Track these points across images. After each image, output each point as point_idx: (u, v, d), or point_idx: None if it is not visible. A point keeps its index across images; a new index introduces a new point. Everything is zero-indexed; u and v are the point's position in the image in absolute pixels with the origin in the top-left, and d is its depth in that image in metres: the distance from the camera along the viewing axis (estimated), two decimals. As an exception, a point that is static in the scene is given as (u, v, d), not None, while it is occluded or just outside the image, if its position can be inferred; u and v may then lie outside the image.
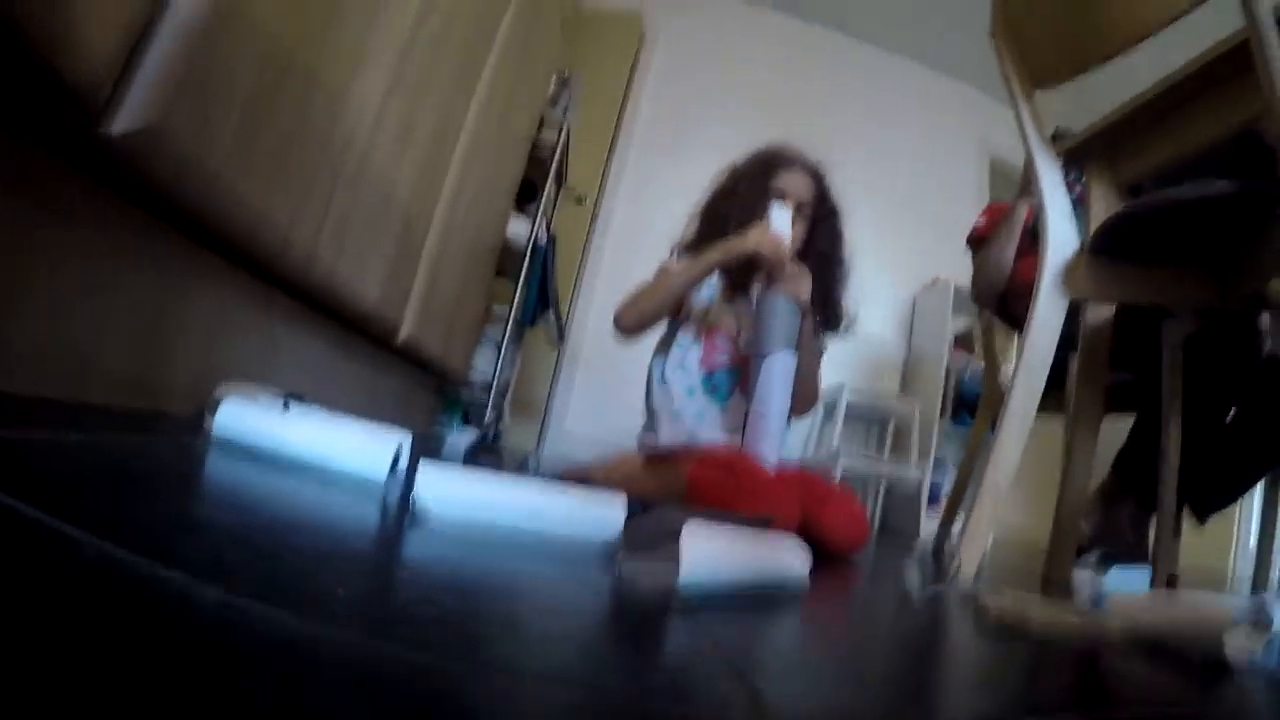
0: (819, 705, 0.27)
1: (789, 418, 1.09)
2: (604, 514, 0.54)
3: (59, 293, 0.47)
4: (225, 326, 0.71)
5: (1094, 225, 1.01)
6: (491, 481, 0.52)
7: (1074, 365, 1.26)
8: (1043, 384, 0.93)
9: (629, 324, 1.17)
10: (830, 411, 2.82)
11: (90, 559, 0.21)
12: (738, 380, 1.17)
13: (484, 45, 1.26)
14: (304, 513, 0.42)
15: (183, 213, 0.55)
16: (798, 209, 1.19)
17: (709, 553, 0.45)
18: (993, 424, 0.95)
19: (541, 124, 2.16)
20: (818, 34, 3.64)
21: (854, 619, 0.56)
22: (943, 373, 2.95)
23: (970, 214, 1.87)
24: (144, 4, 0.43)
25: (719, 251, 1.13)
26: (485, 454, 1.03)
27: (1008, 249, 1.57)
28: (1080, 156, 1.07)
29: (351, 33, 0.74)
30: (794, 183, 1.22)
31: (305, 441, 0.56)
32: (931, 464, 2.80)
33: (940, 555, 1.42)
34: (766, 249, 1.10)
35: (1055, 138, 1.23)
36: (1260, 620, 0.42)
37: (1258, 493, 1.35)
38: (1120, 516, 1.30)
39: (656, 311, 1.17)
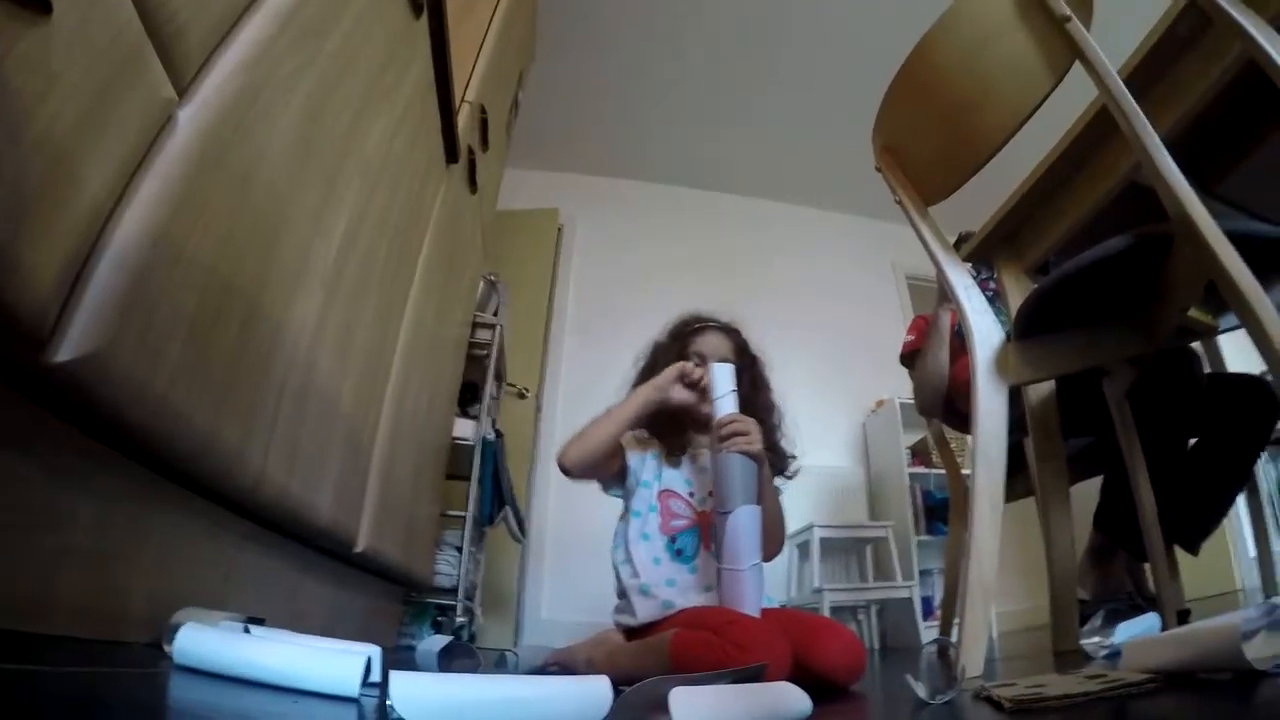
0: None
1: (761, 566, 1.07)
2: (588, 698, 0.52)
3: (6, 521, 0.46)
4: (180, 551, 0.67)
5: (1013, 313, 1.07)
6: (467, 683, 0.50)
7: (1029, 446, 1.29)
8: (1003, 473, 0.94)
9: (571, 462, 1.18)
10: (805, 551, 2.80)
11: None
12: (700, 538, 1.16)
13: (409, 263, 1.34)
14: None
15: (131, 438, 0.55)
16: None
17: (699, 717, 0.44)
18: (967, 524, 0.95)
19: (475, 327, 2.25)
20: (729, 201, 4.01)
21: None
22: (907, 488, 3.01)
23: (898, 333, 1.98)
24: (83, 237, 0.45)
25: (647, 388, 1.20)
26: (459, 656, 0.97)
27: (940, 355, 1.65)
28: (984, 254, 1.15)
29: (286, 260, 0.79)
30: (710, 344, 1.30)
31: (270, 663, 0.53)
32: (917, 578, 2.78)
33: (946, 660, 1.37)
34: (678, 396, 1.18)
35: (960, 242, 1.34)
36: (1274, 623, 0.42)
37: (1240, 505, 1.35)
38: (1115, 572, 1.29)
39: (594, 450, 1.18)
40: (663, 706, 0.42)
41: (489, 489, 2.18)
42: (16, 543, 0.47)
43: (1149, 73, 0.90)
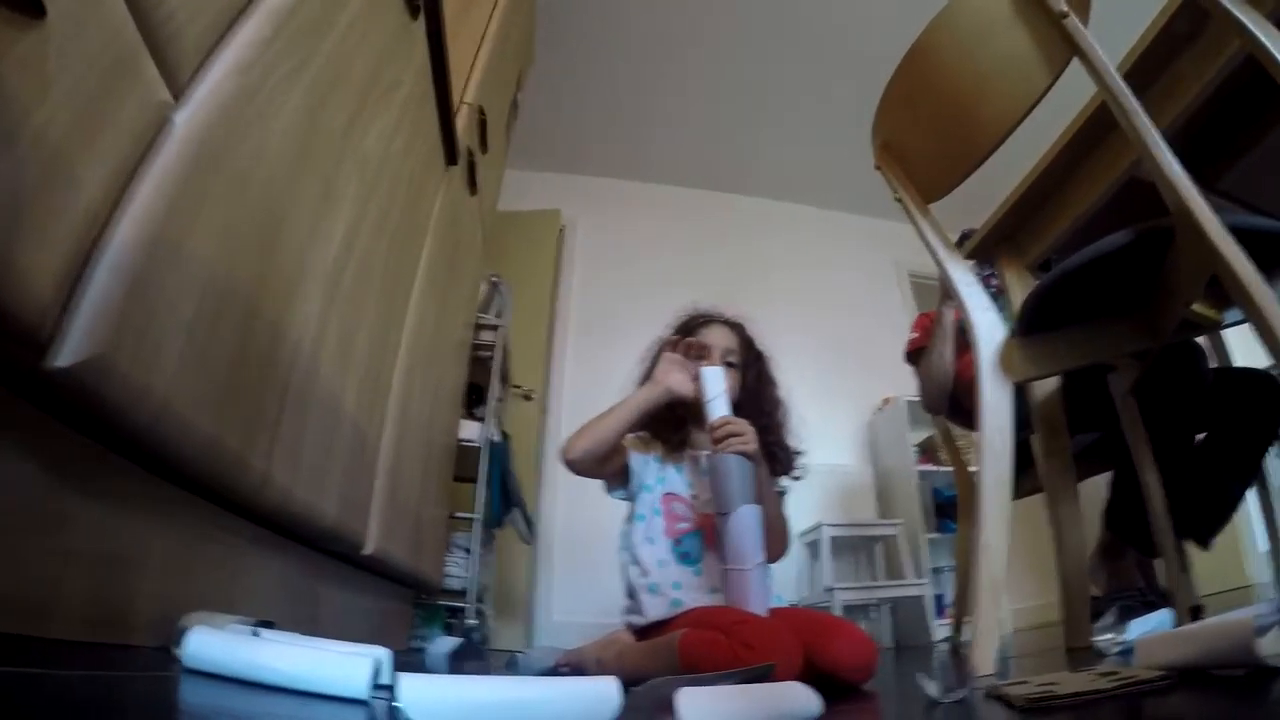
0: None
1: (767, 565, 1.07)
2: (597, 699, 0.52)
3: (8, 525, 0.46)
4: (186, 556, 0.67)
5: (1016, 310, 1.06)
6: (476, 684, 0.50)
7: (1036, 442, 1.28)
8: (1009, 470, 0.94)
9: (575, 456, 1.17)
10: (815, 550, 2.79)
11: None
12: (704, 540, 1.16)
13: (410, 265, 1.34)
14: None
15: (134, 441, 0.55)
16: (725, 361, 1.25)
17: (706, 717, 0.44)
18: (976, 521, 0.95)
19: (479, 328, 2.25)
20: (730, 201, 4.00)
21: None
22: (915, 486, 3.00)
23: (902, 331, 1.97)
24: (81, 241, 0.45)
25: (649, 383, 1.20)
26: (469, 658, 0.97)
27: (945, 352, 1.65)
28: (986, 252, 1.15)
29: (285, 262, 0.79)
30: (715, 337, 1.30)
31: (279, 666, 0.53)
32: (929, 576, 2.78)
33: (958, 659, 1.36)
34: (678, 386, 1.17)
35: (963, 240, 1.34)
36: (1283, 615, 0.42)
37: (1251, 500, 1.34)
38: (1126, 568, 1.28)
39: (598, 444, 1.17)
40: (670, 707, 0.43)
41: (497, 491, 2.18)
42: (20, 546, 0.47)
43: (1148, 69, 0.90)
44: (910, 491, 3.01)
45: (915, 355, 1.82)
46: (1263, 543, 1.86)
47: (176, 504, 0.67)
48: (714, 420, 1.09)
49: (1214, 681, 0.49)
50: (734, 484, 1.02)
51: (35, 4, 0.32)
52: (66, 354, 0.44)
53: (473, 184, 1.79)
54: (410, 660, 1.13)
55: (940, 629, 2.59)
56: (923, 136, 1.11)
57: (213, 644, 0.52)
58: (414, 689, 0.45)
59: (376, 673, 0.55)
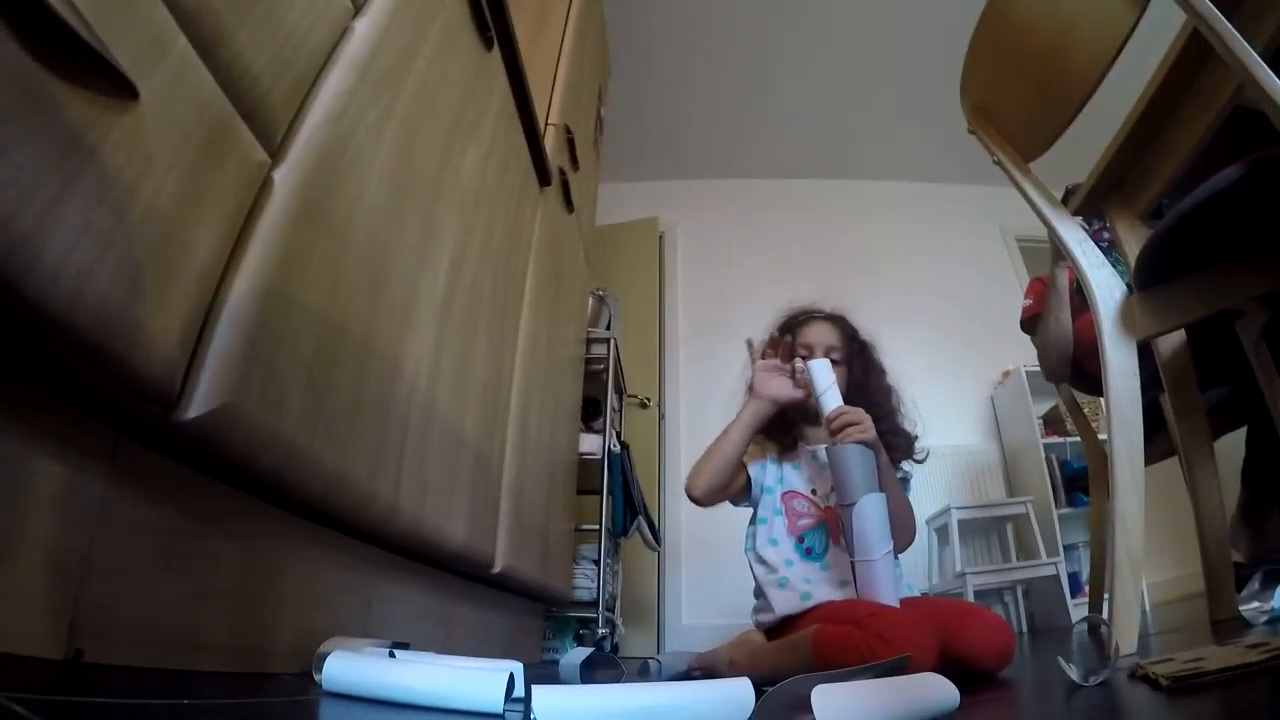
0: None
1: (895, 555, 1.05)
2: (730, 700, 0.51)
3: (155, 568, 0.50)
4: (321, 585, 0.72)
5: (1132, 263, 1.00)
6: (609, 693, 0.50)
7: (1166, 402, 1.20)
8: (1141, 434, 0.88)
9: (701, 492, 1.18)
10: (944, 534, 2.68)
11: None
12: (829, 534, 1.15)
13: (516, 287, 1.38)
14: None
15: (264, 482, 0.59)
16: (829, 356, 1.23)
17: (842, 715, 0.43)
18: (1109, 492, 0.89)
19: (590, 342, 2.29)
20: (825, 187, 3.90)
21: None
22: (1042, 460, 2.86)
23: (1015, 299, 1.86)
24: (199, 300, 0.49)
25: (751, 400, 1.19)
26: (602, 667, 0.98)
27: (1062, 316, 1.57)
28: (1093, 205, 1.08)
29: (394, 299, 0.82)
30: (817, 334, 1.28)
31: (416, 684, 0.55)
32: (1062, 553, 2.63)
33: (1098, 639, 1.30)
34: (780, 393, 1.17)
35: (1068, 195, 1.25)
36: None
37: None
38: (1270, 529, 1.17)
39: (718, 474, 1.18)
40: (805, 705, 0.42)
41: (620, 500, 2.20)
42: (166, 589, 0.51)
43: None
44: (1038, 466, 2.87)
45: (1031, 323, 1.74)
46: None
47: (309, 537, 0.71)
48: (830, 412, 1.08)
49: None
50: (855, 474, 1.01)
51: (128, 87, 0.35)
52: (195, 406, 0.48)
53: (568, 202, 1.83)
54: (543, 673, 1.17)
55: (1077, 609, 2.46)
56: (1013, 93, 1.07)
57: (351, 667, 0.55)
58: (548, 701, 0.45)
59: (510, 687, 0.56)
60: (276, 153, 0.58)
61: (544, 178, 1.57)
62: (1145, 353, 0.97)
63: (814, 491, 1.19)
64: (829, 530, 1.15)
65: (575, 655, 0.95)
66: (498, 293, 1.24)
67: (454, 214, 1.01)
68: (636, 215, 3.48)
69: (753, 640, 1.14)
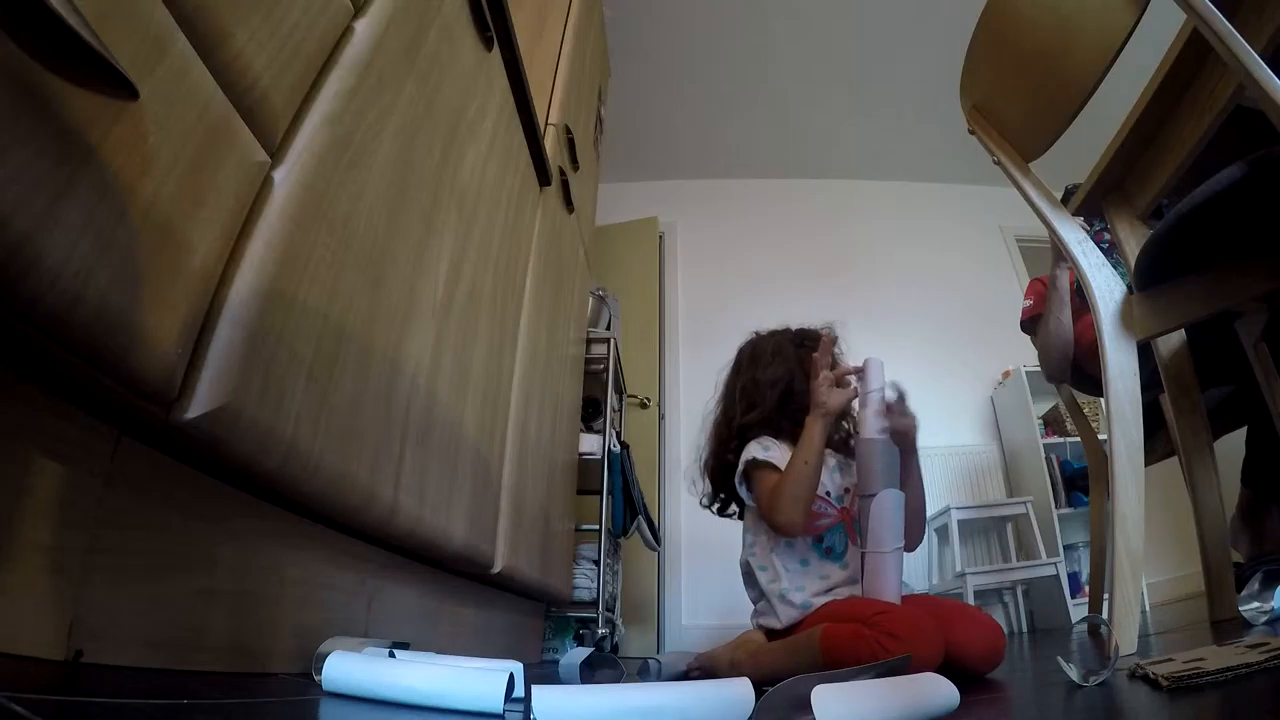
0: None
1: (902, 551, 1.06)
2: (729, 700, 0.51)
3: (155, 568, 0.50)
4: (322, 585, 0.72)
5: (1132, 263, 1.01)
6: (608, 693, 0.50)
7: (1166, 402, 1.21)
8: (1140, 434, 0.89)
9: (798, 527, 1.12)
10: (944, 534, 2.69)
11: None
12: (847, 534, 1.16)
13: (516, 287, 1.38)
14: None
15: (264, 482, 0.59)
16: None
17: (842, 715, 0.43)
18: (1109, 492, 0.89)
19: (590, 342, 2.29)
20: (825, 187, 3.90)
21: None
22: (1042, 460, 2.87)
23: (1015, 299, 1.87)
24: (199, 299, 0.49)
25: (814, 417, 1.15)
26: (602, 667, 0.99)
27: (1063, 316, 1.57)
28: (1093, 205, 1.08)
29: (394, 299, 0.82)
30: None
31: (416, 685, 0.55)
32: (1062, 553, 2.65)
33: (1098, 639, 1.30)
34: (839, 403, 1.15)
35: (1067, 195, 1.25)
36: None
37: None
38: (1269, 529, 1.18)
39: (809, 499, 1.13)
40: (805, 705, 0.42)
41: (620, 501, 2.20)
42: (161, 587, 0.51)
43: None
44: (1037, 466, 2.89)
45: (1031, 323, 1.75)
46: None
47: (309, 537, 0.71)
48: (896, 404, 1.11)
49: None
50: (880, 467, 1.04)
51: (128, 87, 0.35)
52: (195, 406, 0.48)
53: (568, 202, 1.83)
54: (543, 673, 1.17)
55: (1077, 609, 2.48)
56: (1013, 93, 1.07)
57: (350, 667, 0.55)
58: (548, 701, 0.46)
59: (510, 687, 0.56)
60: (276, 153, 0.58)
61: (544, 177, 1.57)
62: (1145, 353, 0.97)
63: (827, 493, 1.20)
64: (847, 530, 1.17)
65: (575, 655, 0.95)
66: (498, 293, 1.24)
67: (454, 213, 1.01)
68: (636, 215, 3.48)
69: (754, 640, 1.14)
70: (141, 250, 0.42)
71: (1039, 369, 1.76)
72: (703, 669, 1.18)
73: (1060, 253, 1.14)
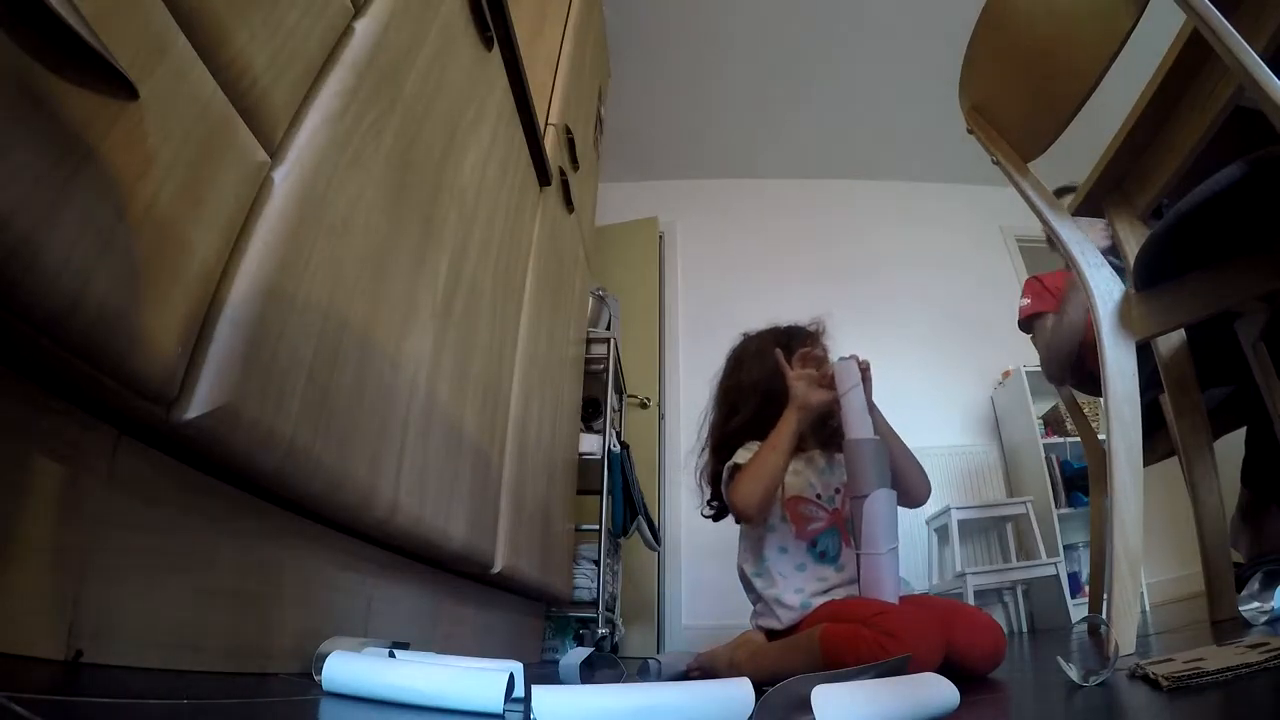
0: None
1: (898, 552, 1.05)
2: (729, 700, 0.51)
3: (155, 568, 0.50)
4: (322, 585, 0.72)
5: (1132, 263, 1.01)
6: (608, 693, 0.50)
7: (1166, 402, 1.21)
8: (1139, 434, 0.89)
9: (755, 512, 1.14)
10: (944, 534, 2.69)
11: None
12: (840, 536, 1.16)
13: (516, 287, 1.38)
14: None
15: (264, 482, 0.59)
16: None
17: (842, 715, 0.43)
18: (1108, 492, 0.89)
19: (590, 342, 2.29)
20: (826, 187, 3.90)
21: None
22: (1042, 460, 2.87)
23: (1014, 299, 1.86)
24: (199, 299, 0.49)
25: (790, 410, 1.16)
26: (601, 667, 0.98)
27: (1075, 315, 1.55)
28: (1092, 205, 1.09)
29: (394, 298, 0.82)
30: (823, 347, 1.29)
31: (416, 685, 0.55)
32: (1062, 553, 2.65)
33: (1098, 639, 1.31)
34: (817, 400, 1.15)
35: (1063, 193, 1.25)
36: None
37: None
38: (1270, 529, 1.17)
39: (772, 490, 1.14)
40: (805, 705, 0.42)
41: (620, 500, 2.20)
42: (161, 587, 0.51)
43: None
44: (1038, 466, 2.89)
45: (1029, 323, 1.74)
46: None
47: (309, 536, 0.71)
48: (863, 362, 1.14)
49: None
50: (870, 467, 1.03)
51: (128, 87, 0.35)
52: (195, 405, 0.48)
53: (569, 202, 1.83)
54: (543, 673, 1.17)
55: (1077, 609, 2.48)
56: (1012, 93, 1.08)
57: (350, 667, 0.55)
58: (548, 701, 0.46)
59: (510, 687, 0.56)
60: (276, 153, 0.58)
61: (544, 178, 1.57)
62: (1145, 353, 0.97)
63: (818, 496, 1.20)
64: (840, 532, 1.16)
65: (575, 655, 0.95)
66: (498, 292, 1.24)
67: (453, 213, 1.01)
68: (636, 215, 3.48)
69: (754, 640, 1.14)
70: (141, 250, 0.42)
71: (1039, 369, 1.75)
72: (703, 669, 1.18)
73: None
